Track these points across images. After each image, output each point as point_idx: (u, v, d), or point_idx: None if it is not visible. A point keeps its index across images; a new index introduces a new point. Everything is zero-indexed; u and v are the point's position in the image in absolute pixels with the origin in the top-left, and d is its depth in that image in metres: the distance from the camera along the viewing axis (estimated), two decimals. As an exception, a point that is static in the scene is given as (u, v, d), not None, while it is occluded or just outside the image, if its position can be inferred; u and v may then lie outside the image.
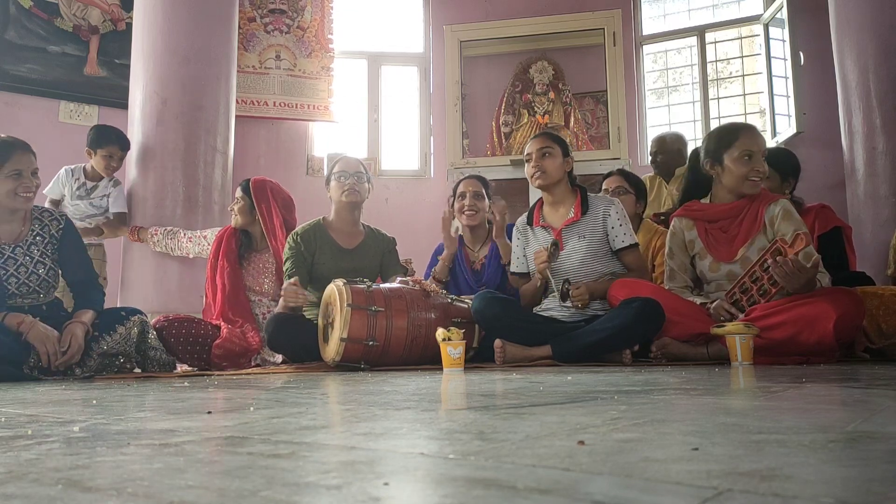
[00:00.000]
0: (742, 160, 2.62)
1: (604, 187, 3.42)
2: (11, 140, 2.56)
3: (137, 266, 4.11)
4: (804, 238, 2.37)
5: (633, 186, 3.40)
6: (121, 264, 4.21)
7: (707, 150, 2.73)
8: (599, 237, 2.84)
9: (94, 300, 2.66)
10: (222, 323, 3.08)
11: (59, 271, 2.67)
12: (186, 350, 2.93)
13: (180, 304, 3.96)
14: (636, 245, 2.88)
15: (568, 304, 2.74)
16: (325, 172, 3.27)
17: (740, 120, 5.75)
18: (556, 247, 2.78)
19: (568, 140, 4.11)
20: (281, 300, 2.88)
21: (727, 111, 5.94)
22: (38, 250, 2.59)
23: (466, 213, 3.33)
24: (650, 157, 4.33)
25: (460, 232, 3.46)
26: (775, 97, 5.33)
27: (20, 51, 5.01)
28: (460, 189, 3.39)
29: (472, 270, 3.35)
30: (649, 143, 5.87)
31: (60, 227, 2.67)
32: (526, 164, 2.98)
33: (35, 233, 2.61)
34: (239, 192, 3.38)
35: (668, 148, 4.23)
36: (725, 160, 2.65)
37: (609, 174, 3.52)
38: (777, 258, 2.35)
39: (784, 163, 3.12)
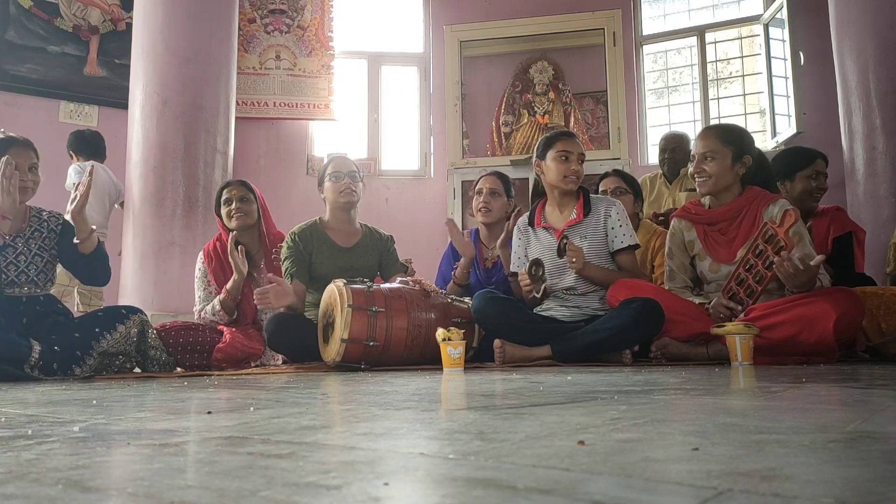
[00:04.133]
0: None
1: (601, 188, 3.40)
2: (11, 136, 2.60)
3: (137, 266, 4.11)
4: (792, 214, 2.37)
5: (631, 186, 3.38)
6: (120, 264, 4.20)
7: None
8: (601, 238, 2.83)
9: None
10: (226, 328, 3.07)
11: (57, 265, 2.70)
12: (186, 357, 2.93)
13: (180, 304, 3.96)
14: (634, 247, 2.86)
15: (550, 285, 2.77)
16: (318, 174, 3.22)
17: (740, 120, 5.75)
18: (539, 265, 2.67)
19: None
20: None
21: (727, 111, 5.93)
22: (36, 244, 2.64)
23: (481, 210, 3.31)
24: (661, 154, 4.26)
25: (473, 228, 3.43)
26: (775, 97, 5.33)
27: (20, 51, 5.01)
28: (478, 185, 3.38)
29: (485, 268, 3.33)
30: (650, 143, 5.88)
31: (59, 223, 2.73)
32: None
33: (33, 228, 2.65)
34: (242, 190, 3.15)
35: (684, 146, 4.20)
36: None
37: (605, 175, 3.50)
38: (781, 254, 2.34)
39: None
